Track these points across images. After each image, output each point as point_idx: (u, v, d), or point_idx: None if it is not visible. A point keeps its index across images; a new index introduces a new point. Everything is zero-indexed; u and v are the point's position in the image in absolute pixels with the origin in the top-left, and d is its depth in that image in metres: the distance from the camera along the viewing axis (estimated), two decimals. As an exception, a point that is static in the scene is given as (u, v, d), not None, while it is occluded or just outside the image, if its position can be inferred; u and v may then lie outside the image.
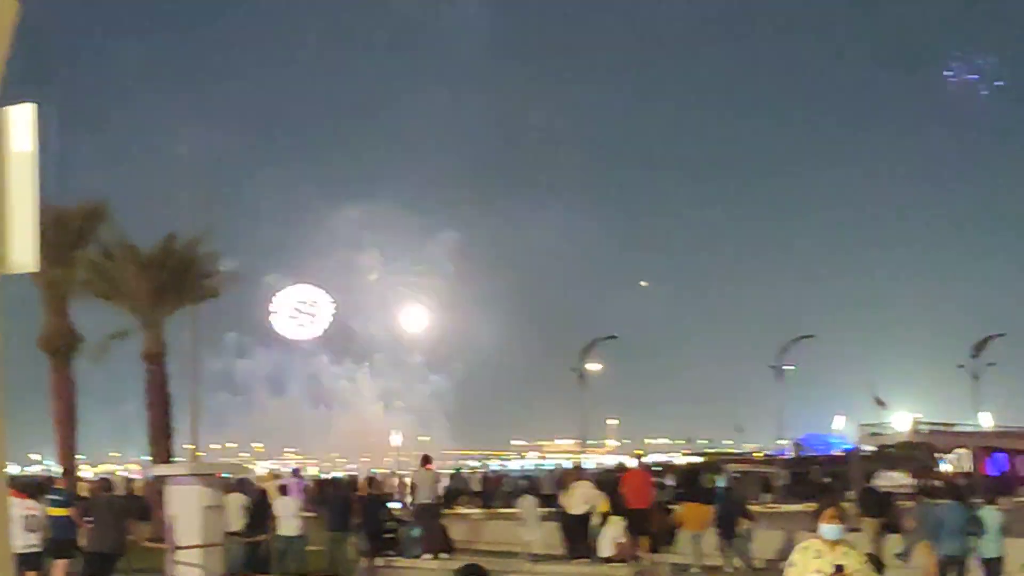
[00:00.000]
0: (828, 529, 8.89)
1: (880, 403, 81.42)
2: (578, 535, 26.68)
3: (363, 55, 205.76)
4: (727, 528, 26.48)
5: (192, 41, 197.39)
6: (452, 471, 69.52)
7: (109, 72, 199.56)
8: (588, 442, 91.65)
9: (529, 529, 28.95)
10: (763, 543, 27.33)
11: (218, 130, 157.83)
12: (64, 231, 38.84)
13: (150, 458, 39.35)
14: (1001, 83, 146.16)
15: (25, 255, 6.03)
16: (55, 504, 21.85)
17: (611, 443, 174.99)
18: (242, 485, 29.26)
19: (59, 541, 21.30)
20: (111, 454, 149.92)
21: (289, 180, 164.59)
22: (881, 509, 26.28)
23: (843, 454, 77.79)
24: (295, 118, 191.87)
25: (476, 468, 74.34)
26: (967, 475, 63.12)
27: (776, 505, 54.64)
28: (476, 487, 57.21)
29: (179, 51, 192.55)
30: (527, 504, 29.62)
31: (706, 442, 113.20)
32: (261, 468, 68.31)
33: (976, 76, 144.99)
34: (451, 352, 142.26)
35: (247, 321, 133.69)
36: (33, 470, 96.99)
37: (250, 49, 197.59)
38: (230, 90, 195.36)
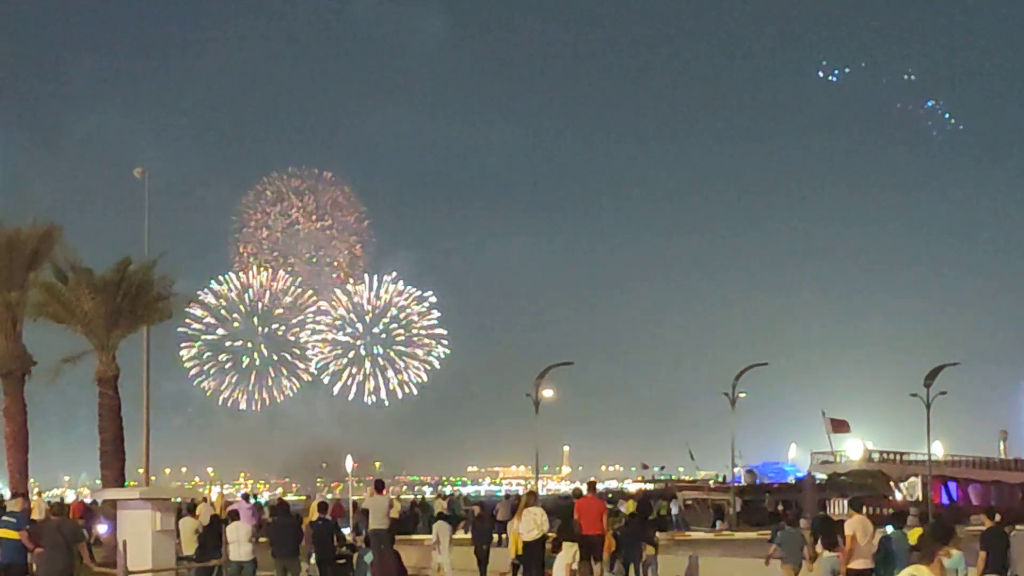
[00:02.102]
0: (958, 556, 8.72)
1: (839, 428, 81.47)
2: (532, 561, 26.73)
3: (323, 74, 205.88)
4: (631, 554, 27.07)
5: (148, 59, 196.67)
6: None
7: (63, 91, 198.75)
8: (543, 468, 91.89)
9: (441, 553, 30.24)
10: (666, 568, 28.51)
11: (173, 148, 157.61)
12: (17, 253, 38.69)
13: (101, 482, 39.15)
14: (958, 117, 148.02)
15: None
16: (8, 527, 21.68)
17: (565, 469, 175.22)
18: (192, 509, 29.16)
19: (10, 566, 21.11)
20: (64, 477, 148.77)
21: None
22: (835, 537, 26.59)
23: (795, 482, 78.17)
24: (251, 136, 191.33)
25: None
26: (917, 503, 63.59)
27: (729, 532, 54.92)
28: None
29: (134, 70, 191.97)
30: (440, 529, 30.87)
31: (659, 469, 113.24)
32: (213, 492, 67.88)
33: (937, 106, 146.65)
34: (406, 367, 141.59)
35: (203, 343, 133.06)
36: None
37: (208, 68, 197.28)
38: (186, 109, 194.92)
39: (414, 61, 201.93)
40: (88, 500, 59.82)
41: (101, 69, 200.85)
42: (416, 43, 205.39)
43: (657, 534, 28.71)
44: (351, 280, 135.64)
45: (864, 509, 22.36)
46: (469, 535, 35.35)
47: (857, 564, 20.91)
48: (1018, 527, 21.49)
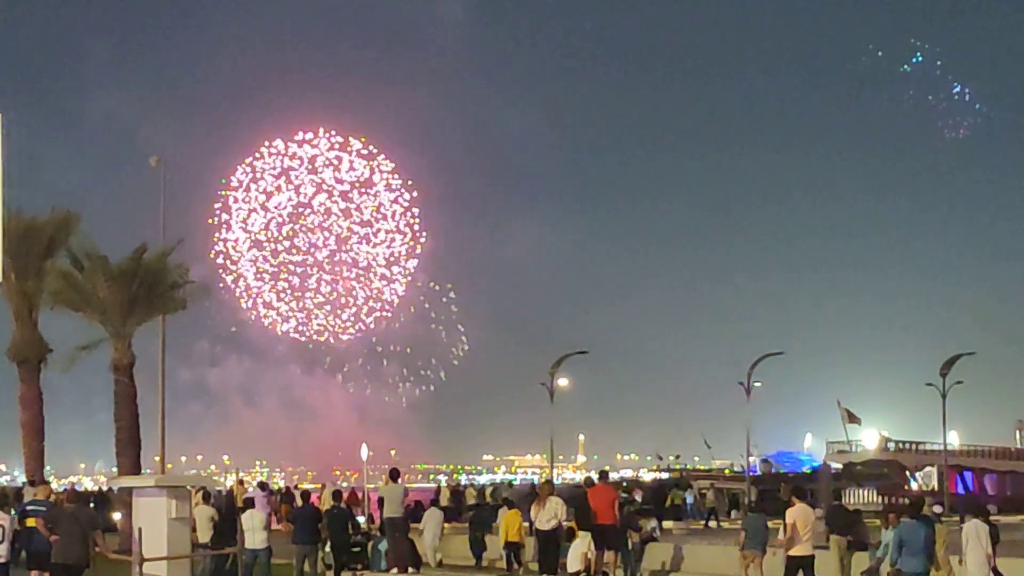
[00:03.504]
0: None
1: (853, 419, 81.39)
2: (548, 550, 26.73)
3: (341, 59, 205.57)
4: (616, 543, 27.25)
5: (164, 42, 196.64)
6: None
7: (78, 75, 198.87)
8: (558, 457, 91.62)
9: (429, 539, 30.40)
10: (652, 555, 29.00)
11: (189, 132, 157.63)
12: (33, 241, 38.75)
13: (117, 469, 39.27)
14: (979, 109, 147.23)
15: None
16: (37, 515, 21.72)
17: (580, 458, 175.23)
18: (207, 497, 29.16)
19: (41, 552, 21.13)
20: (79, 465, 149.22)
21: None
22: (849, 526, 26.75)
23: (811, 471, 78.03)
24: (266, 122, 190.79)
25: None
26: (932, 493, 63.50)
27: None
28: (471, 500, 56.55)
29: (151, 53, 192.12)
30: (430, 516, 31.04)
31: (674, 458, 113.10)
32: (229, 480, 68.05)
33: (953, 101, 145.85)
34: (423, 365, 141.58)
35: (218, 331, 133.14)
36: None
37: (225, 51, 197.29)
38: (202, 92, 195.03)
39: (433, 47, 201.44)
40: (106, 487, 60.00)
41: (116, 52, 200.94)
42: (435, 29, 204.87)
43: (662, 521, 28.67)
44: (378, 272, 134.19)
45: (806, 497, 23.00)
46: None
47: (797, 551, 21.66)
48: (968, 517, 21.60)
